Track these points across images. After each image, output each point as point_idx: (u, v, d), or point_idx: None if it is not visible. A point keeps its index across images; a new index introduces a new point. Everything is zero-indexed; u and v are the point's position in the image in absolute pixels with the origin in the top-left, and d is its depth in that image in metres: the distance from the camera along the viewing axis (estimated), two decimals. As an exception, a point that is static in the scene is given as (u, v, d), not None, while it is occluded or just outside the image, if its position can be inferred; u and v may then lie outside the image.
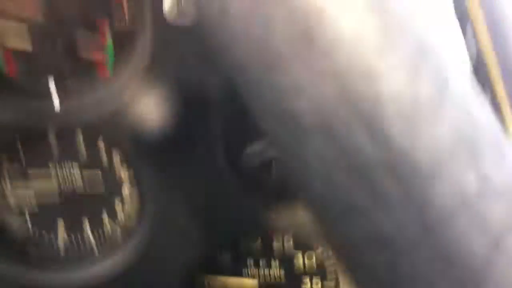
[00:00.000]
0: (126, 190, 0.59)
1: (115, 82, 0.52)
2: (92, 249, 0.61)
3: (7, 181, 0.58)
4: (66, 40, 0.52)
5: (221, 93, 0.52)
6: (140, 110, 0.50)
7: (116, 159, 0.58)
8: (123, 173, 0.59)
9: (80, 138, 0.57)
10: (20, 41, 0.51)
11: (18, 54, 0.52)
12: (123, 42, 0.52)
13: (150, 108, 0.50)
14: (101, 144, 0.57)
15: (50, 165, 0.58)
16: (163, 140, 0.52)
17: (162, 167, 0.55)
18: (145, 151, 0.53)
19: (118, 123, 0.52)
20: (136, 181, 0.58)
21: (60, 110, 0.51)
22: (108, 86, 0.53)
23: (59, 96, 0.51)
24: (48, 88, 0.52)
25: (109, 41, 0.52)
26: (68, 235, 0.61)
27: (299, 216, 0.61)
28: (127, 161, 0.57)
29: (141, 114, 0.51)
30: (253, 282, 0.66)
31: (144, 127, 0.51)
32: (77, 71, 0.53)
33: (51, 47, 0.51)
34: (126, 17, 0.51)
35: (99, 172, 0.59)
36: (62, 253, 0.61)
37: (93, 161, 0.58)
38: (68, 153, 0.57)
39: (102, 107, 0.52)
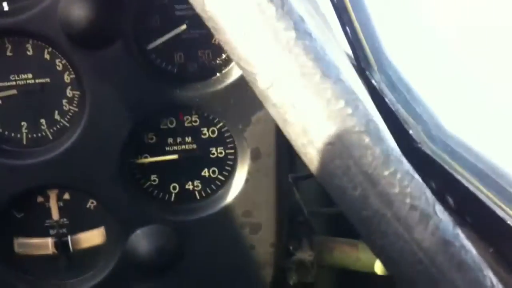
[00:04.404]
0: (69, 91, 0.82)
1: None
2: (47, 136, 0.83)
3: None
4: None
5: None
6: (67, 7, 0.74)
7: (59, 67, 0.81)
8: (66, 78, 0.82)
9: (30, 51, 0.80)
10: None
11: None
12: None
13: (75, 5, 0.74)
14: (47, 55, 0.80)
15: (11, 78, 0.81)
16: (88, 32, 0.75)
17: (90, 56, 0.78)
18: (75, 43, 0.76)
19: (51, 18, 0.75)
20: (74, 72, 0.80)
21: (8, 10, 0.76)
22: None
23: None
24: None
25: None
26: (29, 132, 0.83)
27: (200, 96, 0.85)
28: (67, 65, 0.80)
29: (68, 10, 0.74)
30: (174, 157, 0.89)
31: (72, 21, 0.75)
32: None
33: None
34: None
35: (49, 79, 0.82)
36: (24, 143, 0.83)
37: (43, 70, 0.81)
38: (23, 65, 0.80)
39: (38, 5, 0.75)
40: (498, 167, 0.81)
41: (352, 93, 0.45)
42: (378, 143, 0.44)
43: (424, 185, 0.45)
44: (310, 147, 0.44)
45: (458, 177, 0.82)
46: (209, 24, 0.47)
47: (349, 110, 0.44)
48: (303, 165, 0.49)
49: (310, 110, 0.44)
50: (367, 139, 0.44)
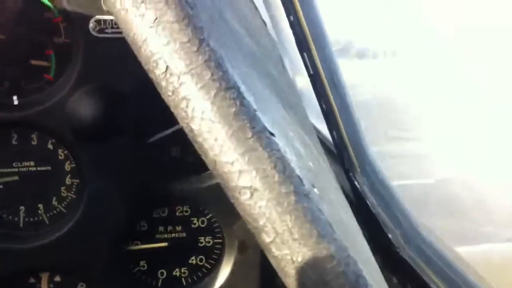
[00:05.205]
0: (69, 179, 0.86)
1: (56, 83, 0.80)
2: (43, 220, 0.86)
3: (-18, 177, 0.83)
4: (20, 52, 0.79)
5: (134, 94, 0.81)
6: (74, 104, 0.78)
7: (61, 156, 0.85)
8: (67, 166, 0.85)
9: (35, 141, 0.83)
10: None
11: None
12: (62, 53, 0.80)
13: (81, 102, 0.78)
14: (50, 145, 0.84)
15: (14, 164, 0.84)
16: (92, 128, 0.79)
17: (92, 148, 0.82)
18: (79, 137, 0.80)
19: (58, 114, 0.79)
20: (75, 162, 0.84)
21: (18, 104, 0.79)
22: (51, 85, 0.81)
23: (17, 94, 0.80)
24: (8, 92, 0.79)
25: (52, 52, 0.80)
26: (27, 216, 0.86)
27: (194, 189, 0.89)
28: (69, 155, 0.84)
29: (75, 107, 0.78)
30: (164, 244, 0.92)
31: (77, 117, 0.79)
32: (28, 74, 0.80)
33: (10, 57, 0.79)
34: (63, 33, 0.80)
35: (50, 167, 0.85)
36: (21, 226, 0.86)
37: (45, 159, 0.84)
38: (26, 154, 0.84)
39: (47, 102, 0.79)
40: (472, 280, 0.87)
41: (344, 251, 0.50)
42: None
43: None
44: None
45: (432, 285, 0.87)
46: (220, 183, 0.52)
47: (342, 268, 0.49)
48: None
49: (307, 267, 0.48)
50: None
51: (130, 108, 0.83)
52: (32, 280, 0.89)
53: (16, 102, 0.80)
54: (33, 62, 0.80)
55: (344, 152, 1.00)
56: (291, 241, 0.49)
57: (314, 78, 0.91)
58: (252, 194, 0.50)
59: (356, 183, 0.99)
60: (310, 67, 0.90)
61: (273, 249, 0.50)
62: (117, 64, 0.79)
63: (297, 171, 0.51)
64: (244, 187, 0.50)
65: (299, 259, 0.49)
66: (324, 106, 0.95)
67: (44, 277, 0.89)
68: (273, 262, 0.51)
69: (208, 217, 0.92)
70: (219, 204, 0.89)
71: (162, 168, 0.88)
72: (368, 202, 0.97)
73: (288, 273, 0.50)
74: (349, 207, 0.78)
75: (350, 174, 1.00)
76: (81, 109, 0.79)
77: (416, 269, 0.90)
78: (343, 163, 1.01)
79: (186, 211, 0.92)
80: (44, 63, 0.80)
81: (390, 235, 0.94)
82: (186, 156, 0.90)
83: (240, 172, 0.49)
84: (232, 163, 0.50)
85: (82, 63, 0.79)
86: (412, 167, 2.91)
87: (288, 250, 0.49)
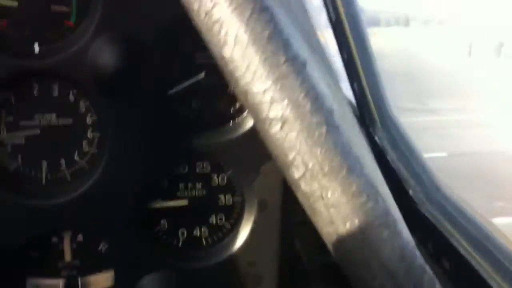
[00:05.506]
0: (90, 133, 0.85)
1: (77, 29, 0.80)
2: (65, 177, 0.86)
3: (4, 130, 0.82)
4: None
5: (156, 43, 0.80)
6: (95, 52, 0.78)
7: (83, 109, 0.84)
8: (88, 120, 0.85)
9: (56, 92, 0.83)
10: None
11: (6, 10, 0.78)
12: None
13: (103, 50, 0.78)
14: (72, 97, 0.83)
15: (35, 117, 0.83)
16: (113, 78, 0.78)
17: (113, 100, 0.81)
18: (100, 87, 0.80)
19: (80, 63, 0.78)
20: (97, 115, 0.83)
21: (39, 52, 0.79)
22: (72, 32, 0.80)
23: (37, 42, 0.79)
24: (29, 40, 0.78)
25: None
26: (49, 172, 0.86)
27: (214, 144, 0.88)
28: (90, 108, 0.84)
29: (96, 56, 0.78)
30: (184, 202, 0.92)
31: (99, 66, 0.78)
32: (49, 21, 0.80)
33: (30, 3, 0.78)
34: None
35: (71, 120, 0.85)
36: (43, 183, 0.85)
37: (66, 112, 0.84)
38: (47, 106, 0.83)
39: (68, 49, 0.78)
40: (494, 237, 0.86)
41: (373, 187, 0.49)
42: (395, 236, 0.48)
43: (436, 280, 0.49)
44: (335, 237, 0.48)
45: (454, 242, 0.86)
46: (250, 113, 0.51)
47: (371, 204, 0.48)
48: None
49: (336, 202, 0.48)
50: (386, 233, 0.48)
51: (152, 58, 0.82)
52: (54, 240, 0.88)
53: (37, 50, 0.80)
54: (54, 8, 0.79)
55: (364, 105, 0.99)
56: (320, 175, 0.48)
57: (336, 26, 0.89)
58: (282, 125, 0.49)
59: (376, 138, 0.98)
60: (331, 13, 0.89)
61: (302, 185, 0.49)
62: (140, 11, 0.78)
63: (329, 103, 0.50)
64: (275, 118, 0.49)
65: (329, 194, 0.48)
66: (345, 56, 0.94)
67: (67, 236, 0.88)
68: (301, 199, 0.51)
69: (228, 174, 0.92)
70: (239, 160, 0.88)
71: (182, 122, 0.88)
72: (388, 158, 0.96)
73: (317, 210, 0.49)
74: (372, 154, 0.78)
75: (370, 128, 0.99)
76: (102, 58, 0.78)
77: (437, 226, 0.90)
78: (363, 118, 1.00)
79: (206, 168, 0.91)
80: (65, 9, 0.79)
81: (410, 191, 0.94)
82: (207, 109, 0.89)
83: (272, 101, 0.49)
84: (263, 92, 0.49)
85: (103, 9, 0.78)
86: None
87: (318, 185, 0.49)
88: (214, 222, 0.93)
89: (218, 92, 0.88)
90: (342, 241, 0.48)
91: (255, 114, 0.50)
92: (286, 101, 0.49)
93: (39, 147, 0.84)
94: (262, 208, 0.90)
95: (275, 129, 0.49)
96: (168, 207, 0.91)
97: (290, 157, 0.49)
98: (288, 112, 0.49)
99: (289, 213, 0.92)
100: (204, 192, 0.92)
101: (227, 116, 0.89)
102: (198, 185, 0.92)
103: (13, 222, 0.83)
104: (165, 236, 0.92)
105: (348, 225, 0.47)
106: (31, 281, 0.87)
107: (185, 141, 0.87)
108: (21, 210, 0.83)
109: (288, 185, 0.52)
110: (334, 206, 0.48)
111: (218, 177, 0.92)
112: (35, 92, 0.82)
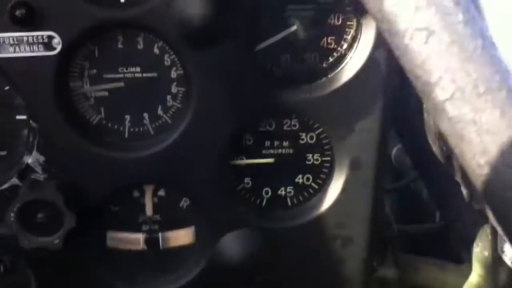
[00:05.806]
0: (175, 87, 0.81)
1: None
2: (148, 131, 0.83)
3: (87, 83, 0.80)
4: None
5: None
6: (182, 3, 0.72)
7: (167, 62, 0.80)
8: (173, 73, 0.81)
9: (141, 45, 0.79)
10: None
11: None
12: None
13: (190, 1, 0.72)
14: (157, 50, 0.79)
15: (119, 70, 0.80)
16: (200, 30, 0.73)
17: (200, 53, 0.76)
18: (186, 40, 0.74)
19: (166, 14, 0.73)
20: (182, 69, 0.79)
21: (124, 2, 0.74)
22: None
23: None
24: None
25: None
26: (132, 126, 0.82)
27: (303, 101, 0.82)
28: (175, 61, 0.79)
29: (183, 6, 0.72)
30: (270, 160, 0.87)
31: (185, 17, 0.72)
32: None
33: None
34: None
35: (156, 74, 0.81)
36: (126, 136, 0.83)
37: (151, 65, 0.80)
38: (132, 59, 0.79)
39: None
40: None
41: None
42: None
43: None
44: (488, 169, 0.41)
45: None
46: (383, 26, 0.45)
47: None
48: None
49: (494, 129, 0.40)
50: None
51: (240, 12, 0.76)
52: (136, 194, 0.86)
53: (122, 0, 0.76)
54: None
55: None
56: (474, 96, 0.41)
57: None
58: (427, 38, 0.42)
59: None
60: None
61: (449, 108, 0.42)
62: None
63: (482, 15, 0.43)
64: (419, 29, 0.42)
65: (483, 118, 0.41)
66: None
67: (148, 190, 0.86)
68: (446, 126, 0.43)
69: (317, 132, 0.86)
70: (331, 117, 0.82)
71: (270, 77, 0.82)
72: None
73: (466, 138, 0.42)
74: None
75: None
76: (189, 8, 0.73)
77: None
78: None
79: (294, 125, 0.86)
80: None
81: None
82: (296, 65, 0.83)
83: (417, 8, 0.42)
84: None
85: None
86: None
87: (470, 107, 0.41)
88: (300, 181, 0.88)
89: (309, 47, 0.82)
90: (498, 174, 0.41)
91: (391, 23, 0.44)
92: (433, 9, 0.42)
93: (122, 101, 0.81)
94: (354, 167, 0.84)
95: (418, 42, 0.42)
96: (252, 165, 0.86)
97: (436, 75, 0.42)
98: (435, 22, 0.42)
99: (383, 174, 0.86)
100: (291, 150, 0.87)
101: (318, 72, 0.83)
102: (285, 143, 0.86)
103: (96, 174, 0.82)
104: (249, 195, 0.88)
105: (506, 156, 0.40)
106: (111, 235, 0.85)
107: (273, 97, 0.82)
108: (104, 163, 0.81)
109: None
110: (489, 132, 0.41)
111: (306, 136, 0.86)
112: (119, 44, 0.79)
